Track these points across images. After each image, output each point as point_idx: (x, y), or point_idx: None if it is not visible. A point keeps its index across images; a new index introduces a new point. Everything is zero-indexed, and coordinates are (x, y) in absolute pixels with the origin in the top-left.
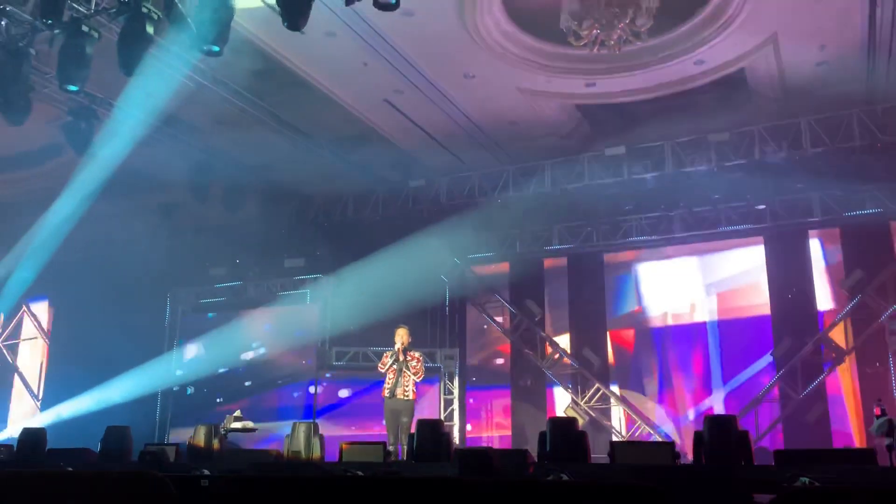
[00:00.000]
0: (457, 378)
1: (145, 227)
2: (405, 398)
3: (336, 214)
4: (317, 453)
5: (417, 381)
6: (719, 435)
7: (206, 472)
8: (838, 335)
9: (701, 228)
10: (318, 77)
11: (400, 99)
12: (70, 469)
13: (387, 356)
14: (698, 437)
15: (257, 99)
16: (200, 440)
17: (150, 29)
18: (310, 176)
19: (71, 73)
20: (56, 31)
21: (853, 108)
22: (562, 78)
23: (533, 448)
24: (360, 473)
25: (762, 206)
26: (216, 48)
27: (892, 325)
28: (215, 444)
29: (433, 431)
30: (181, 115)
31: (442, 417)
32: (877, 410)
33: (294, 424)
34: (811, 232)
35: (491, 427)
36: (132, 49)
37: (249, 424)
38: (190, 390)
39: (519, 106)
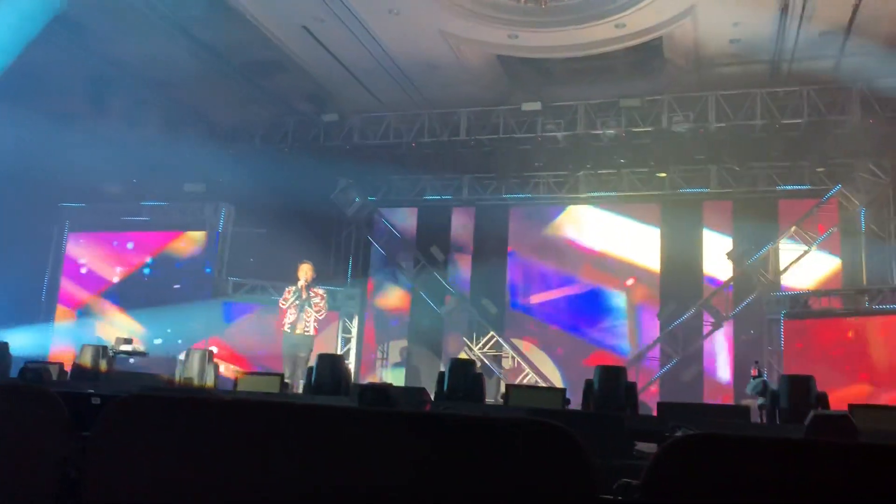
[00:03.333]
0: (356, 318)
1: (34, 136)
2: (305, 333)
3: (243, 142)
4: (210, 381)
5: (320, 318)
6: (609, 384)
7: (92, 391)
8: (720, 302)
9: (605, 190)
10: None
11: (320, 27)
12: None
13: (289, 291)
14: (588, 385)
15: (168, 11)
16: (87, 360)
17: None
18: (218, 99)
19: None
20: None
21: (758, 87)
22: (486, 26)
23: (428, 391)
24: (257, 399)
25: (663, 174)
26: None
27: (769, 296)
28: (103, 365)
29: (333, 365)
30: (83, 20)
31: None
32: (753, 371)
33: (188, 350)
34: (705, 203)
35: (387, 368)
36: None
37: (140, 348)
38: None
39: (441, 49)
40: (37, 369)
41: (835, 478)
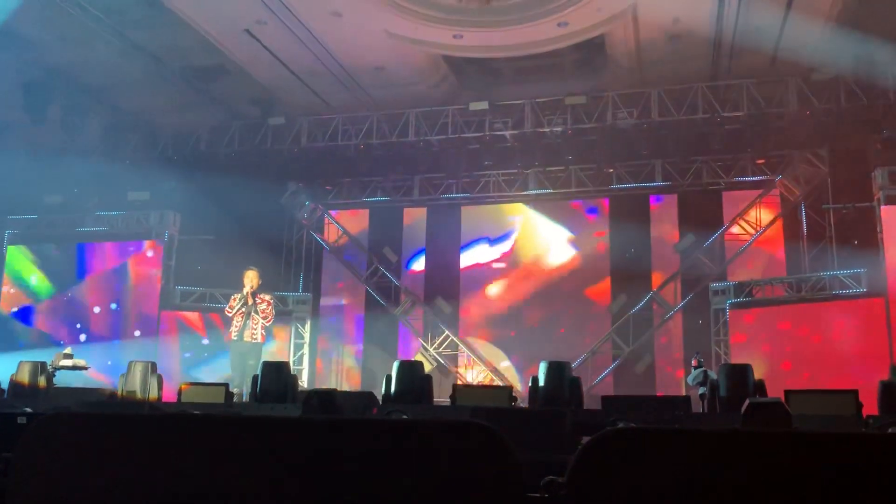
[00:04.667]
0: (308, 323)
1: None
2: (252, 340)
3: (187, 148)
4: (154, 394)
5: (267, 324)
6: (554, 380)
7: (29, 410)
8: (668, 293)
9: (554, 187)
10: None
11: (262, 31)
12: None
13: (234, 299)
14: (534, 381)
15: (104, 16)
16: (24, 377)
17: None
18: (159, 104)
19: None
20: None
21: (699, 82)
22: (431, 26)
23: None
24: (192, 413)
25: (610, 170)
26: None
27: (715, 286)
28: (41, 381)
29: (278, 373)
30: (16, 27)
31: (291, 362)
32: (694, 362)
33: (130, 363)
34: (652, 197)
35: (342, 372)
36: None
37: (81, 362)
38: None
39: (386, 51)
40: None
41: (758, 467)
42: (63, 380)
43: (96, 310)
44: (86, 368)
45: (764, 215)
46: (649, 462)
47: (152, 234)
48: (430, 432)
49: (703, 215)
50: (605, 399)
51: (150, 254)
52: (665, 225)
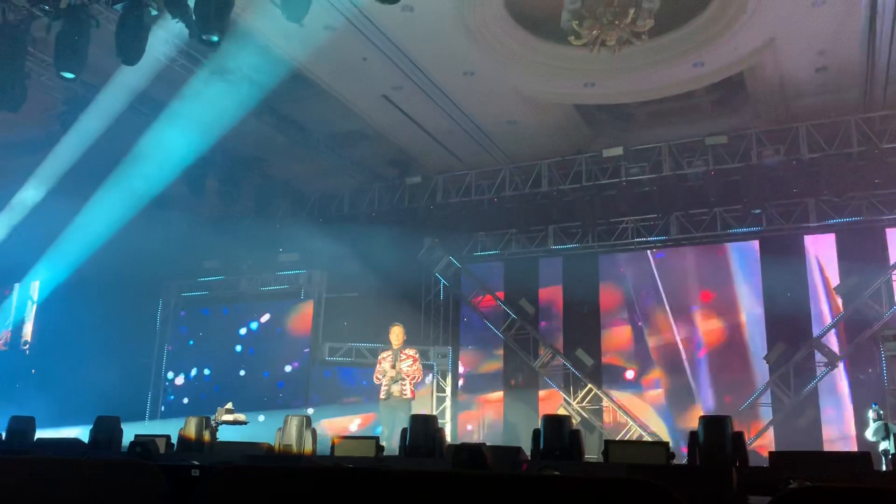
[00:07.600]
0: (449, 376)
1: (138, 218)
2: (402, 397)
3: (331, 210)
4: (308, 447)
5: (415, 381)
6: (714, 435)
7: (196, 463)
8: (831, 340)
9: (697, 231)
10: (316, 71)
11: (398, 95)
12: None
13: (381, 360)
14: (693, 437)
15: (256, 92)
16: (191, 432)
17: (149, 18)
18: (305, 170)
19: (68, 60)
20: (54, 18)
21: (851, 114)
22: (561, 77)
23: (525, 447)
24: (350, 467)
25: (758, 211)
26: (215, 38)
27: (885, 331)
28: (206, 436)
29: (426, 426)
30: (173, 105)
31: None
32: (873, 415)
33: (286, 417)
34: (806, 237)
35: (483, 426)
36: (131, 38)
37: (241, 417)
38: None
39: (517, 105)
40: (144, 443)
41: None
42: (224, 434)
43: (241, 373)
44: (245, 423)
45: None
46: None
47: (302, 293)
48: (599, 490)
49: (865, 254)
50: (773, 455)
51: (301, 312)
52: (823, 266)
